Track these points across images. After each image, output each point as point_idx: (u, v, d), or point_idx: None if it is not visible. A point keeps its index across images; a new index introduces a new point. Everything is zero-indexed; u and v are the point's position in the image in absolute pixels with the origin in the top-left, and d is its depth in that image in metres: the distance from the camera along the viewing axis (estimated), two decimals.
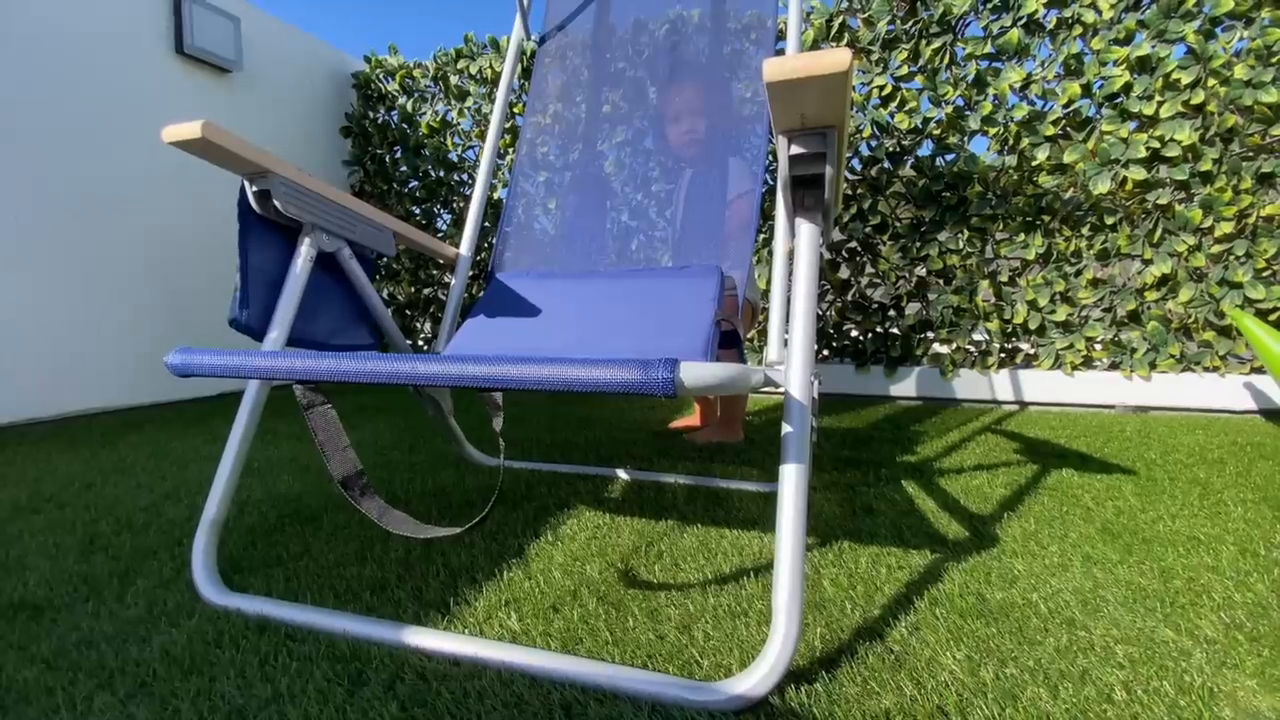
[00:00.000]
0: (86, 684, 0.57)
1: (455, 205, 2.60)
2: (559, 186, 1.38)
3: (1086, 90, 1.85)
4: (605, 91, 1.41)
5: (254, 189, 0.86)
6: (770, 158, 1.26)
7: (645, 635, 0.65)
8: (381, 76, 2.63)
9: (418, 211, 2.64)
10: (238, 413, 0.83)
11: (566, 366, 0.49)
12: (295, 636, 0.65)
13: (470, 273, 2.17)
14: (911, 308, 2.07)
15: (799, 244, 0.67)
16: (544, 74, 1.47)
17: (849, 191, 2.07)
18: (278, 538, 0.93)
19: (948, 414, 1.93)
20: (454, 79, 2.48)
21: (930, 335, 2.09)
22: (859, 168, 2.05)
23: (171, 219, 2.02)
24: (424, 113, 2.56)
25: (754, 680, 0.53)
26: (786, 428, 0.60)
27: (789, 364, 0.63)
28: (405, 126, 2.60)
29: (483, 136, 2.50)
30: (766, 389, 0.63)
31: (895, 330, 2.12)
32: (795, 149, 0.61)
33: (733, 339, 1.01)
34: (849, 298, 2.09)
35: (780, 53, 1.63)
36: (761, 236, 2.11)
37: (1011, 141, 1.92)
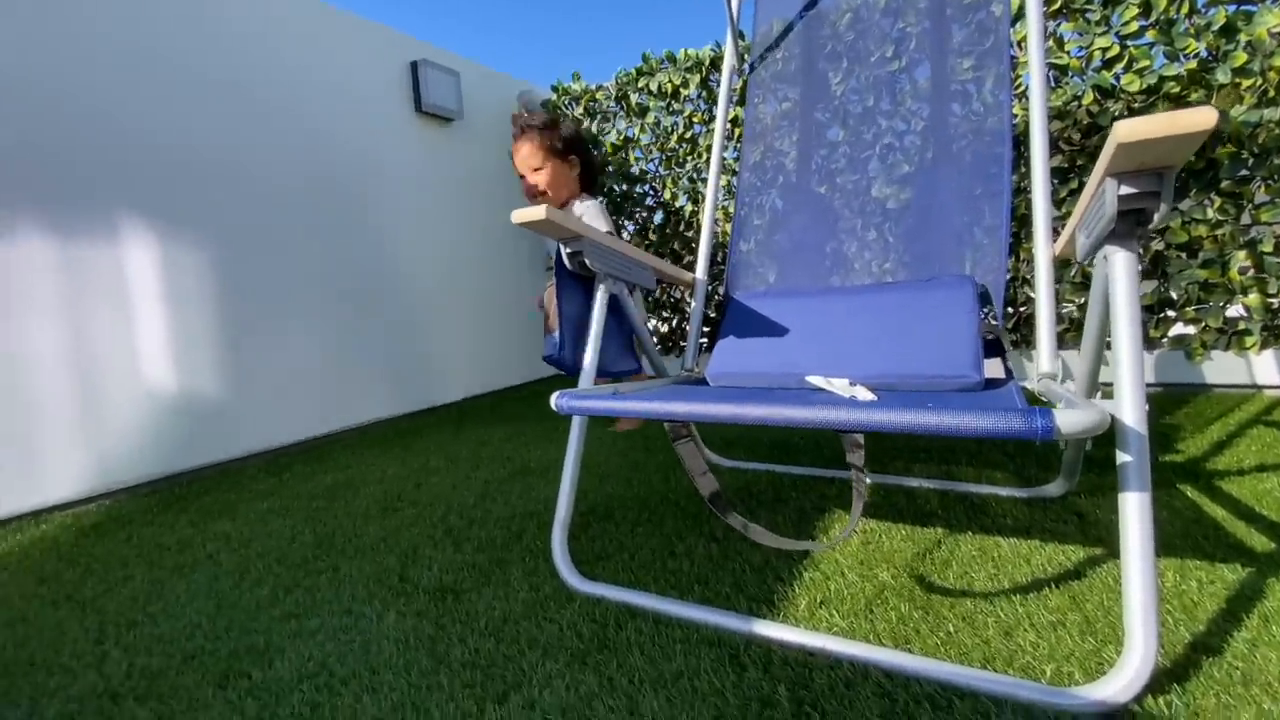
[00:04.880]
0: (532, 654, 0.76)
1: (639, 216, 2.78)
2: (785, 204, 1.45)
3: None
4: (826, 105, 1.46)
5: (568, 250, 1.03)
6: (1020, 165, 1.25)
7: (970, 639, 0.72)
8: (567, 103, 2.86)
9: None
10: (570, 435, 1.02)
11: (940, 414, 0.57)
12: (661, 621, 0.80)
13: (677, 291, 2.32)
14: (1146, 285, 1.88)
15: (1115, 271, 0.69)
16: (760, 92, 1.54)
17: (1065, 165, 1.93)
18: (595, 533, 1.11)
19: (1200, 402, 1.75)
20: (634, 97, 2.64)
21: (1171, 314, 1.89)
22: (1078, 138, 1.90)
23: (411, 250, 2.38)
24: (608, 132, 2.76)
25: (1115, 688, 0.58)
26: (1124, 456, 0.64)
27: (1120, 390, 0.66)
28: (590, 147, 2.82)
29: (663, 149, 2.64)
30: None
31: None
32: (1125, 189, 0.63)
33: (995, 349, 1.03)
34: (1073, 278, 1.95)
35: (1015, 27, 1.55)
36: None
37: (1271, 92, 1.67)
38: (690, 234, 2.65)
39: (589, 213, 1.80)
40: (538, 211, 0.93)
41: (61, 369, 1.47)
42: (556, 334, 1.06)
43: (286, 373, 1.94)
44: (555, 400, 0.84)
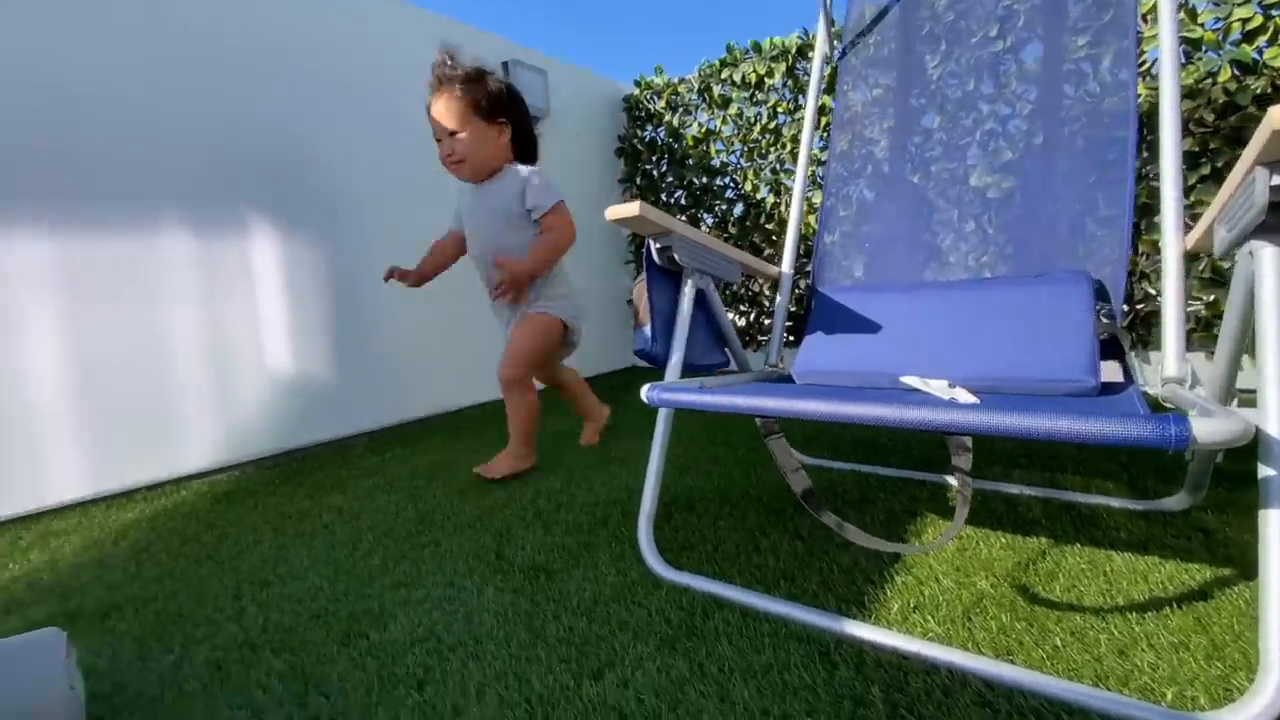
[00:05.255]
0: (623, 636, 0.79)
1: (718, 209, 2.76)
2: (875, 195, 1.41)
3: None
4: (921, 91, 1.40)
5: (657, 245, 1.05)
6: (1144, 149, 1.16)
7: (1080, 656, 0.69)
8: (649, 97, 2.88)
9: (684, 218, 2.86)
10: (655, 428, 1.04)
11: (1065, 419, 0.55)
12: (749, 614, 0.81)
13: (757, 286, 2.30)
14: None
15: (1263, 268, 0.63)
16: (851, 79, 1.50)
17: (1196, 149, 1.76)
18: (678, 523, 1.13)
19: None
20: (717, 88, 2.63)
21: None
22: (1212, 119, 1.73)
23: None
24: (689, 125, 2.76)
25: (1247, 715, 0.54)
26: (1267, 470, 0.59)
27: (1265, 398, 0.60)
28: (671, 141, 2.83)
29: (745, 140, 2.61)
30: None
31: None
32: (1279, 179, 0.58)
33: (1112, 350, 0.97)
34: (1200, 273, 1.78)
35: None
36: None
37: None
38: (771, 226, 2.62)
39: (534, 183, 1.47)
40: (631, 208, 0.95)
41: (199, 353, 1.64)
42: (648, 328, 1.08)
43: (388, 359, 2.08)
44: (645, 393, 0.86)
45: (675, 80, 2.79)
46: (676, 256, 1.04)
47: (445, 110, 1.43)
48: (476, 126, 1.44)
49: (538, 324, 1.53)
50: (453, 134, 1.44)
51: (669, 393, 0.83)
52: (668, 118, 2.83)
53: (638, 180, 2.97)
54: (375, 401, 2.06)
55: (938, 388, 0.87)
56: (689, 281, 1.09)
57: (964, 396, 0.82)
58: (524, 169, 1.50)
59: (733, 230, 2.73)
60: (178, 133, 1.61)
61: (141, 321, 1.56)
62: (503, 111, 1.48)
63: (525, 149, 1.57)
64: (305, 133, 1.87)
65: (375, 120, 2.05)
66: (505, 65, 2.38)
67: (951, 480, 1.26)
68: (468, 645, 0.79)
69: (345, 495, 1.43)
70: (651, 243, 1.05)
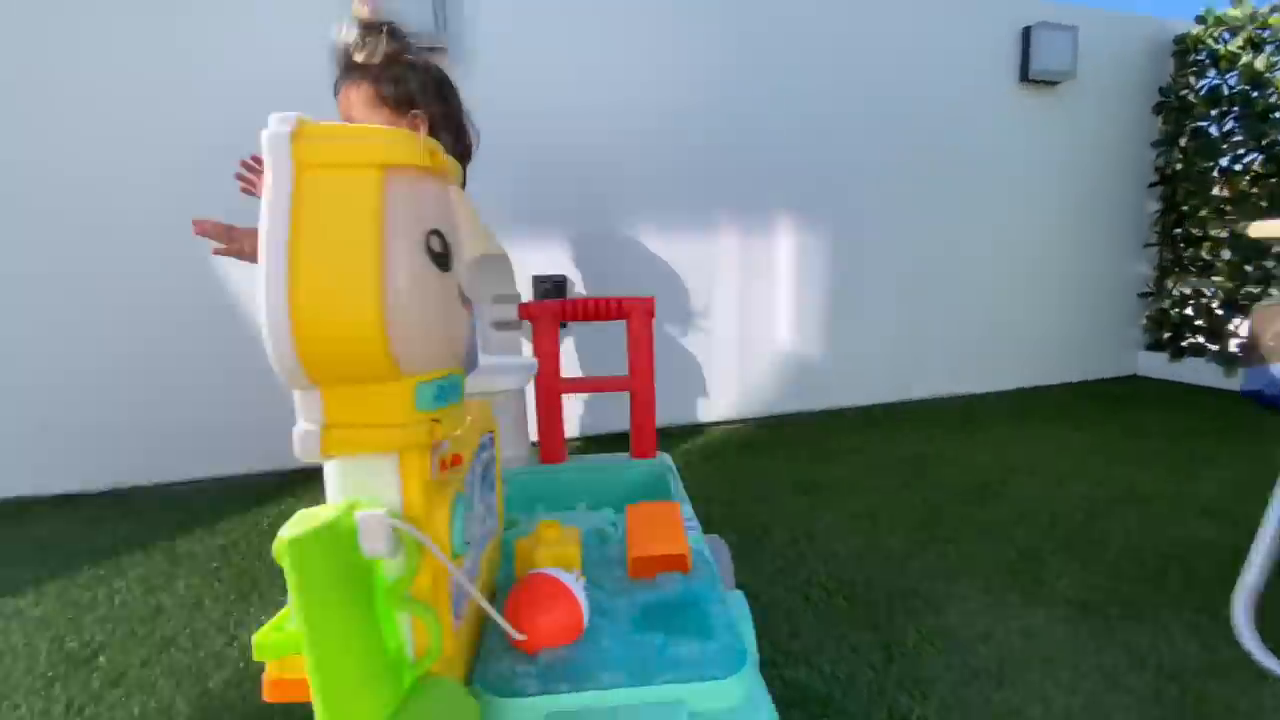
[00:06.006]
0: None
1: None
2: None
3: None
4: None
5: None
6: None
7: None
8: (1217, 36, 2.23)
9: (1255, 191, 2.17)
10: None
11: None
12: None
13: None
14: None
15: None
16: None
17: None
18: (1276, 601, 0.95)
19: None
20: None
21: None
22: None
23: (994, 230, 2.32)
24: None
25: None
26: None
27: None
28: (1248, 89, 2.14)
29: None
30: None
31: None
32: None
33: None
34: None
35: None
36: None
37: None
38: None
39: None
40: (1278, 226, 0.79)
41: (729, 323, 2.07)
42: (1278, 366, 0.90)
43: (869, 341, 2.22)
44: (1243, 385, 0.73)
45: (1265, 9, 2.08)
46: None
47: (348, 101, 1.17)
48: (383, 120, 1.16)
49: None
50: None
51: None
52: (1246, 59, 2.14)
53: (1181, 141, 2.36)
54: (856, 381, 2.23)
55: None
56: None
57: None
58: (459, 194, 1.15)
59: None
60: (716, 157, 2.00)
61: (698, 294, 2.03)
62: (418, 102, 1.17)
63: (456, 154, 1.24)
64: (821, 133, 2.08)
65: (877, 104, 2.13)
66: (1027, 31, 2.16)
67: None
68: (1034, 663, 0.84)
69: (843, 468, 1.63)
70: None
